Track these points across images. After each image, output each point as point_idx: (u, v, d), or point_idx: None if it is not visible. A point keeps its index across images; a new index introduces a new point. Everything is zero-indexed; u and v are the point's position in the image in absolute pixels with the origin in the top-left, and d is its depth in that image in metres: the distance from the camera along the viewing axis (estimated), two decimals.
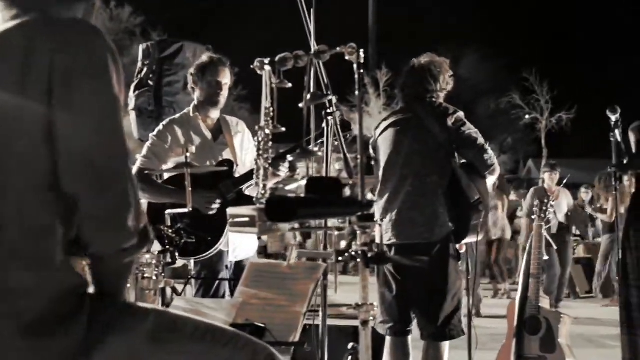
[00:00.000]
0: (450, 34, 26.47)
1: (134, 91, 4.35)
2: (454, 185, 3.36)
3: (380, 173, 3.55)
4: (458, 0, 32.86)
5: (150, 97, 4.34)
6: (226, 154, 3.50)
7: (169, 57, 4.37)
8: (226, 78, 3.52)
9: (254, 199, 2.07)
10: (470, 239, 3.44)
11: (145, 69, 4.37)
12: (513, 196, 10.89)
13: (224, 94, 3.52)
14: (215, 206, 3.25)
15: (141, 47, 4.50)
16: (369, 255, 2.05)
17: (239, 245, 3.42)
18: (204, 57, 3.56)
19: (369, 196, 2.72)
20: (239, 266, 3.45)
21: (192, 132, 3.49)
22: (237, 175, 3.43)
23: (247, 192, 3.43)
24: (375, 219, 2.03)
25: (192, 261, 3.30)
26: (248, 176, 3.34)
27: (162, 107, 4.35)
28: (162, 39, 4.69)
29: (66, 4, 1.54)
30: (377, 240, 3.28)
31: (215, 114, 3.56)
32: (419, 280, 3.35)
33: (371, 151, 3.69)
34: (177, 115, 3.62)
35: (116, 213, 1.47)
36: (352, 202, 2.06)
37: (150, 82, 4.30)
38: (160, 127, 3.53)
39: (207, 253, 3.23)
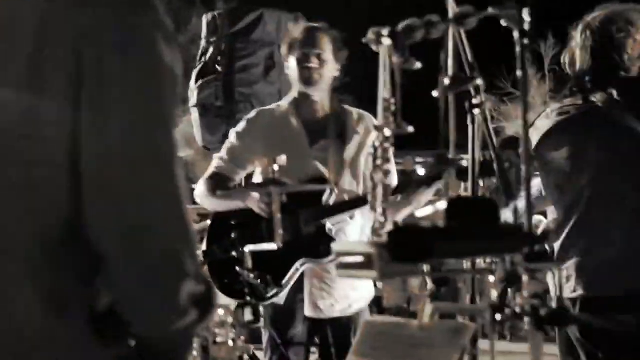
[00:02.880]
0: None
1: (196, 81, 4.51)
2: None
3: (552, 195, 3.54)
4: None
5: (218, 88, 4.50)
6: (323, 168, 3.58)
7: (242, 31, 4.52)
8: (323, 48, 3.63)
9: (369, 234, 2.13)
10: None
11: (210, 50, 4.53)
12: None
13: (321, 70, 3.64)
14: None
15: (205, 20, 4.67)
16: (543, 312, 2.08)
17: (345, 295, 3.48)
18: (295, 28, 3.71)
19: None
20: (340, 325, 3.53)
21: (284, 133, 3.63)
22: (329, 202, 3.49)
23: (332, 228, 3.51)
24: (553, 260, 2.03)
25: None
26: (341, 207, 3.41)
27: (235, 102, 4.51)
28: (233, 7, 4.86)
29: None
30: (553, 291, 3.24)
31: (318, 103, 3.70)
32: (625, 352, 3.27)
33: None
34: (270, 107, 3.78)
35: (160, 281, 1.45)
36: (515, 234, 2.06)
37: (218, 68, 4.46)
38: (244, 122, 3.70)
39: (268, 297, 3.26)
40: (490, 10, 2.17)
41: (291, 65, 3.67)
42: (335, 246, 2.07)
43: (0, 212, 1.42)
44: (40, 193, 1.42)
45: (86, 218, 1.41)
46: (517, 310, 2.03)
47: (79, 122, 1.38)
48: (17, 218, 1.42)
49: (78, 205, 1.41)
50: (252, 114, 3.80)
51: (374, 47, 2.30)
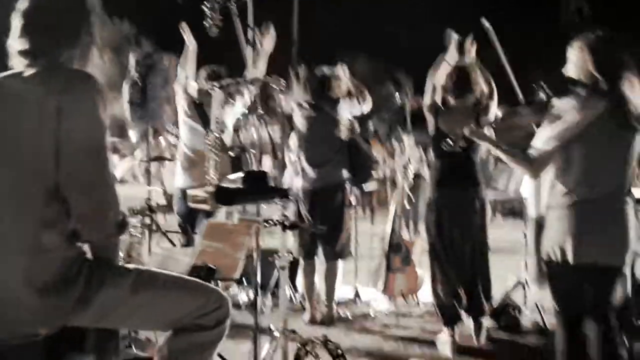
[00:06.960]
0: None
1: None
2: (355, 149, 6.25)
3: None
4: None
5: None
6: None
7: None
8: None
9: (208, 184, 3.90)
10: (365, 185, 6.27)
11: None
12: None
13: None
14: None
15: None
16: (286, 223, 3.83)
17: None
18: None
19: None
20: None
21: None
22: None
23: None
24: (289, 198, 3.78)
25: None
26: None
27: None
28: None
29: (65, 51, 2.50)
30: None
31: None
32: (324, 220, 6.02)
33: None
34: None
35: (98, 211, 2.38)
36: (274, 189, 3.76)
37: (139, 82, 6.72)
38: None
39: None
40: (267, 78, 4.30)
41: None
42: (189, 191, 3.71)
43: (19, 181, 2.35)
44: (39, 168, 2.33)
45: (63, 185, 2.33)
46: (276, 220, 3.79)
47: (59, 132, 2.29)
48: (27, 183, 2.34)
49: (57, 177, 2.32)
50: None
51: (210, 91, 4.55)
